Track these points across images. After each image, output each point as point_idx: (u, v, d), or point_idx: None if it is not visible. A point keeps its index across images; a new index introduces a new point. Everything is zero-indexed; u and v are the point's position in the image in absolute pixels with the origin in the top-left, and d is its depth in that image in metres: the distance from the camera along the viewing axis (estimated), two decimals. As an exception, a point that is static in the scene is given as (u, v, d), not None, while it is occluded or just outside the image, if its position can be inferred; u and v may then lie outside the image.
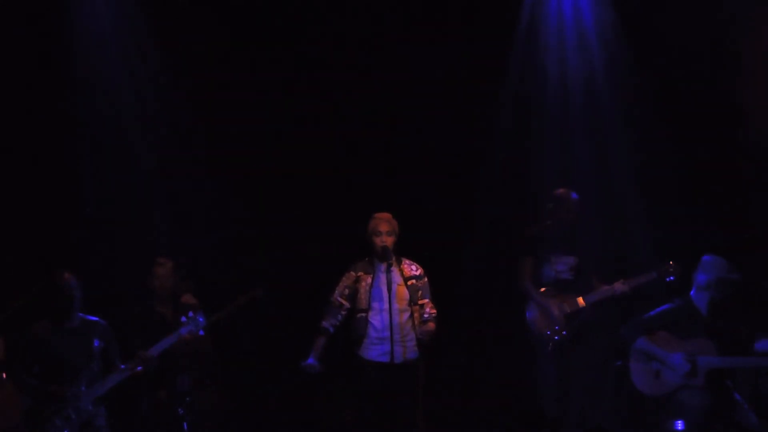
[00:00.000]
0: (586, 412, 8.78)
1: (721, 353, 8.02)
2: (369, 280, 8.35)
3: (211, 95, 9.73)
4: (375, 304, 8.30)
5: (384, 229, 8.32)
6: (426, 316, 8.37)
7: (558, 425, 8.70)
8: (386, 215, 8.38)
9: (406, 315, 8.31)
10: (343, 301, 8.38)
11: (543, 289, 8.80)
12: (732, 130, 9.43)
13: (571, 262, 8.86)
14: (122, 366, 7.98)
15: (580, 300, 8.77)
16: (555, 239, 8.85)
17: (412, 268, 8.45)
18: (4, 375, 7.88)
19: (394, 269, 8.26)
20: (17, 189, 9.30)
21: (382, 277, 8.24)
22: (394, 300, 8.19)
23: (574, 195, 8.88)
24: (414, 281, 8.39)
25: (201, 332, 8.20)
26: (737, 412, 8.07)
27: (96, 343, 8.03)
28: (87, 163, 9.60)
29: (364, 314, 8.33)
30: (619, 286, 8.72)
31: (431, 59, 9.82)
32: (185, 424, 8.27)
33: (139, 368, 7.96)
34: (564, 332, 8.71)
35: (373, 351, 8.29)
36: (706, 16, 9.34)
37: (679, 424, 7.99)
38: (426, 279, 8.46)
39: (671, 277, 8.61)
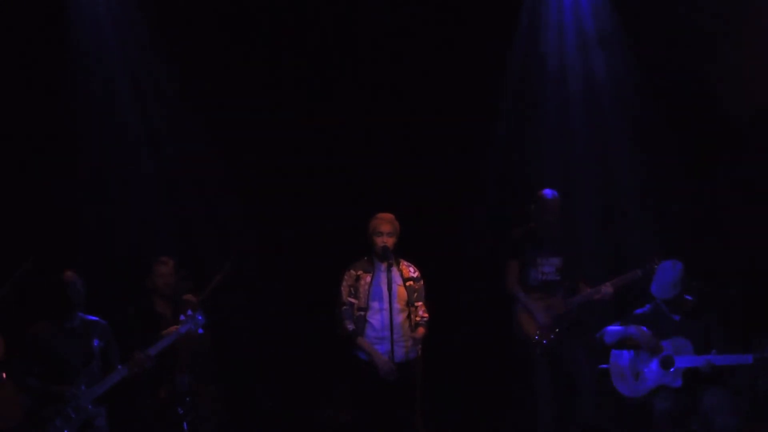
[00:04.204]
0: (582, 412, 8.77)
1: (697, 352, 8.04)
2: (368, 279, 8.36)
3: (211, 94, 9.73)
4: (374, 304, 8.31)
5: (385, 229, 8.33)
6: (419, 319, 8.37)
7: (554, 427, 8.72)
8: (388, 215, 8.39)
9: (404, 315, 8.33)
10: (353, 300, 8.39)
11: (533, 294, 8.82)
12: (733, 126, 9.44)
13: (556, 264, 8.84)
14: (120, 366, 7.98)
15: (568, 301, 8.78)
16: (539, 241, 8.85)
17: (410, 270, 8.47)
18: (4, 375, 7.87)
19: (395, 269, 8.28)
20: (17, 188, 9.30)
21: (382, 277, 8.25)
22: (395, 300, 8.21)
23: (551, 195, 8.83)
24: (412, 283, 8.41)
25: (200, 330, 8.20)
26: (715, 414, 8.03)
27: (96, 342, 8.03)
28: (87, 161, 9.59)
29: (362, 313, 8.34)
30: (605, 288, 8.72)
31: (431, 59, 9.83)
32: (185, 423, 8.27)
33: (135, 370, 7.96)
34: (552, 335, 8.71)
35: (372, 351, 8.32)
36: (706, 12, 9.35)
37: None
38: (422, 282, 8.47)
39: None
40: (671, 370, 8.05)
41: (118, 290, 9.12)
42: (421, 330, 8.34)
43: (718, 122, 9.50)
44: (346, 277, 8.42)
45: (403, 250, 8.46)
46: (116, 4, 9.70)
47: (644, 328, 8.16)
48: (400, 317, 8.30)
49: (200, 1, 9.72)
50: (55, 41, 9.46)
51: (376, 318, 8.30)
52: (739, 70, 9.28)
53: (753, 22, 9.34)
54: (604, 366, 8.33)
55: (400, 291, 8.33)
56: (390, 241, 8.32)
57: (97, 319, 8.14)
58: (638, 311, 8.32)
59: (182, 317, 8.13)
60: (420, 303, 8.42)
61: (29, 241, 9.07)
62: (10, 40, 9.32)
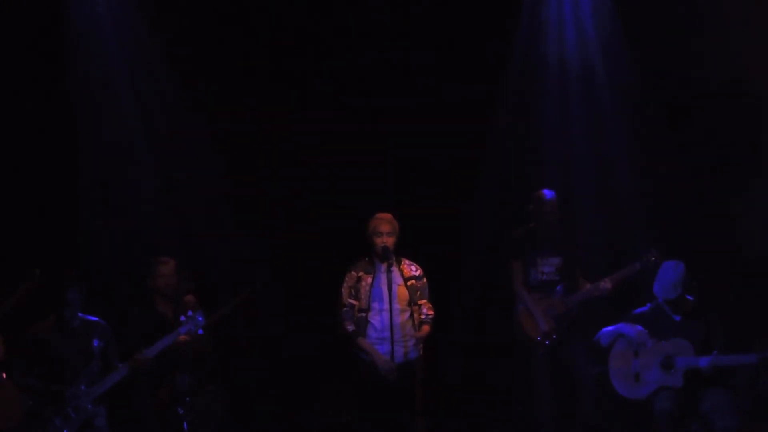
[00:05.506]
0: (582, 412, 8.77)
1: (698, 353, 8.03)
2: (369, 279, 8.36)
3: (211, 94, 9.73)
4: (375, 304, 8.31)
5: (385, 229, 8.33)
6: (423, 317, 8.37)
7: (554, 427, 8.72)
8: (387, 215, 8.39)
9: (406, 315, 8.33)
10: (354, 302, 8.38)
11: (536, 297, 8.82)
12: (733, 126, 9.44)
13: (556, 263, 8.83)
14: (120, 365, 7.99)
15: (567, 300, 8.77)
16: (539, 241, 8.84)
17: (412, 269, 8.46)
18: (4, 375, 7.88)
19: (395, 269, 8.28)
20: (18, 188, 9.30)
21: (383, 277, 8.25)
22: (395, 300, 8.21)
23: (549, 195, 8.82)
24: (414, 281, 8.41)
25: (200, 331, 8.21)
26: (715, 414, 8.02)
27: (96, 342, 8.05)
28: (87, 161, 9.59)
29: (363, 314, 8.34)
30: (604, 284, 8.72)
31: (431, 59, 9.82)
32: (185, 424, 8.27)
33: (135, 370, 7.97)
34: (554, 335, 8.71)
35: (373, 351, 8.32)
36: (706, 13, 9.35)
37: None
38: (425, 280, 8.47)
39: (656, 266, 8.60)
40: (672, 371, 8.04)
41: (118, 290, 9.12)
42: (425, 328, 8.33)
43: (718, 122, 9.49)
44: (347, 278, 8.42)
45: (404, 250, 8.46)
46: (116, 4, 9.70)
47: (638, 326, 8.17)
48: (400, 317, 8.29)
49: (200, 1, 9.71)
50: (55, 41, 9.46)
51: (377, 319, 8.30)
52: (740, 70, 9.28)
53: (754, 22, 9.34)
54: (604, 369, 8.34)
55: (400, 291, 8.32)
56: (390, 241, 8.32)
57: (97, 319, 8.16)
58: (638, 310, 8.32)
59: (182, 318, 8.14)
60: (424, 301, 8.41)
61: (29, 241, 9.09)
62: (10, 40, 9.31)
